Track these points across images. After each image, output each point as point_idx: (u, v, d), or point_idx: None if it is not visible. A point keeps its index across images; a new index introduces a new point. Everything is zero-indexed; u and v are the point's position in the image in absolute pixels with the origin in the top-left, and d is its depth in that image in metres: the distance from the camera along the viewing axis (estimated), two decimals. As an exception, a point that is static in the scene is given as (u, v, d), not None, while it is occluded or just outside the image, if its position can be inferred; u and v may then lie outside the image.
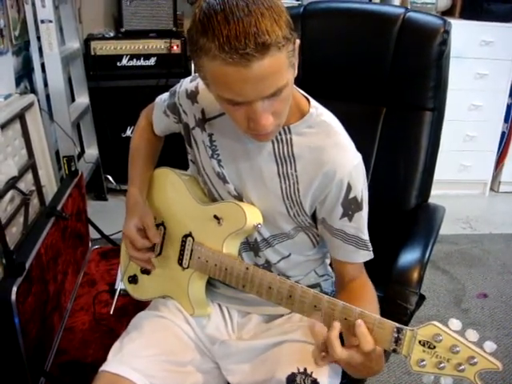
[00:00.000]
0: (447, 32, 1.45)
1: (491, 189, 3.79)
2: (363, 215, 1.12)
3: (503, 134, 3.62)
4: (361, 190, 1.09)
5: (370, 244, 1.15)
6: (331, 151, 1.07)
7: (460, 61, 3.18)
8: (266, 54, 0.85)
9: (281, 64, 0.89)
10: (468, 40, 3.23)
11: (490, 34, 3.27)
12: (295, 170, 1.10)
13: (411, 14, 1.50)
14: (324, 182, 1.08)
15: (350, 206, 1.09)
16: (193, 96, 1.18)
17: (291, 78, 0.95)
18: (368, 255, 1.15)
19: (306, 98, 1.13)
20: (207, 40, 0.86)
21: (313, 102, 1.12)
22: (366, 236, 1.14)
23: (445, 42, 1.45)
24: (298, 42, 0.95)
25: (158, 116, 1.32)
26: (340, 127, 1.12)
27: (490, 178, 3.70)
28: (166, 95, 1.29)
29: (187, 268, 1.21)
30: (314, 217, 1.16)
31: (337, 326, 0.95)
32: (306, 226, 1.17)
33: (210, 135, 1.16)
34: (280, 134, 1.09)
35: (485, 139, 3.54)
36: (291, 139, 1.10)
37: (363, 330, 0.93)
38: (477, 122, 3.49)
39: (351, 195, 1.08)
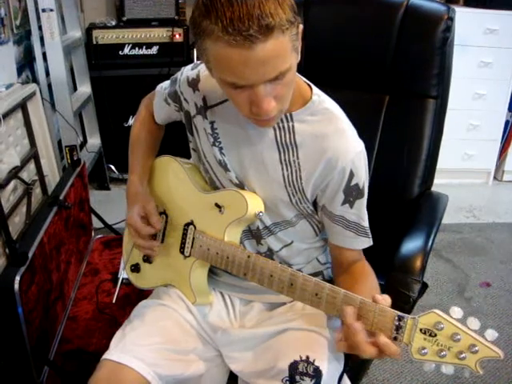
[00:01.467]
0: (451, 19, 1.44)
1: (495, 178, 3.78)
2: (364, 202, 1.12)
3: (507, 122, 3.60)
4: (363, 177, 1.10)
5: (369, 231, 1.16)
6: (333, 139, 1.07)
7: (464, 49, 3.16)
8: (269, 36, 0.85)
9: (284, 47, 0.88)
10: (472, 28, 3.21)
11: (494, 21, 3.25)
12: (297, 158, 1.10)
13: (414, 1, 1.49)
14: (326, 170, 1.08)
15: (352, 193, 1.09)
16: (194, 84, 1.17)
17: (294, 63, 0.94)
18: (367, 242, 1.16)
19: (309, 85, 1.12)
20: (210, 22, 0.86)
21: (315, 89, 1.12)
22: (366, 223, 1.15)
23: (448, 29, 1.44)
24: (301, 26, 0.94)
25: (158, 104, 1.31)
26: (342, 115, 1.12)
27: (494, 166, 3.70)
28: (166, 83, 1.29)
29: (189, 256, 1.22)
30: (314, 204, 1.16)
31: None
32: (308, 213, 1.17)
33: (212, 123, 1.16)
34: (282, 121, 1.09)
35: (488, 128, 3.53)
36: (293, 126, 1.09)
37: (383, 339, 0.91)
38: (480, 111, 3.47)
39: (353, 182, 1.08)
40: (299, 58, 0.97)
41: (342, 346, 0.95)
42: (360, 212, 1.12)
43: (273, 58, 0.88)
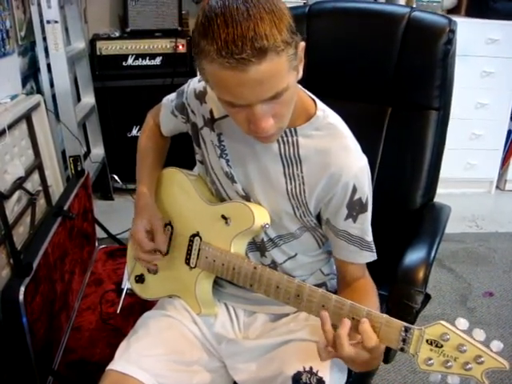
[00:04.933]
0: (452, 31, 1.45)
1: (497, 187, 3.78)
2: (368, 217, 1.13)
3: (509, 132, 3.61)
4: (366, 191, 1.10)
5: (373, 246, 1.16)
6: (337, 154, 1.08)
7: (466, 59, 3.17)
8: (263, 58, 0.85)
9: (280, 68, 0.88)
10: (474, 38, 3.22)
11: (495, 32, 3.26)
12: (301, 171, 1.11)
13: (416, 14, 1.50)
14: (329, 184, 1.08)
15: (355, 208, 1.10)
16: (201, 96, 1.18)
17: (293, 81, 0.94)
18: (371, 256, 1.16)
19: (313, 99, 1.13)
20: (207, 43, 0.86)
21: (319, 104, 1.12)
22: (369, 238, 1.15)
23: (450, 42, 1.45)
24: (302, 44, 0.95)
25: (165, 116, 1.32)
26: (347, 130, 1.12)
27: (497, 176, 3.69)
28: (173, 95, 1.30)
29: (194, 268, 1.22)
30: (318, 217, 1.16)
31: (347, 324, 0.95)
32: (312, 226, 1.18)
33: (219, 135, 1.17)
34: (286, 135, 1.10)
35: (491, 137, 3.53)
36: (297, 141, 1.10)
37: (366, 326, 0.93)
38: (483, 121, 3.48)
39: (356, 197, 1.09)
40: (300, 76, 0.98)
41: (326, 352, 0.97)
42: (363, 226, 1.13)
43: (268, 79, 0.88)
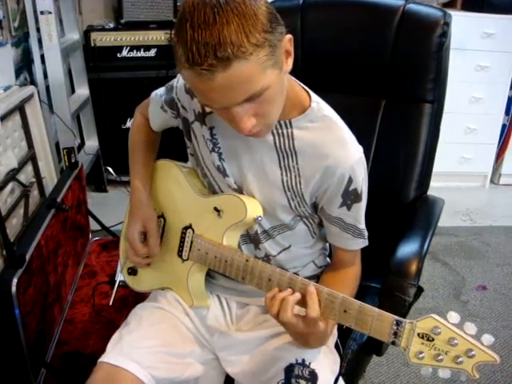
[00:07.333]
0: (447, 24, 1.45)
1: (491, 181, 3.79)
2: (362, 206, 1.13)
3: (504, 126, 3.62)
4: (361, 182, 1.10)
5: (365, 232, 1.17)
6: (333, 146, 1.07)
7: (461, 53, 3.17)
8: (227, 66, 0.83)
9: (250, 72, 0.85)
10: (469, 32, 3.22)
11: (491, 26, 3.26)
12: (297, 163, 1.10)
13: (411, 6, 1.49)
14: (325, 175, 1.08)
15: (350, 197, 1.10)
16: (191, 90, 1.17)
17: (273, 80, 0.90)
18: (363, 243, 1.18)
19: (307, 91, 1.12)
20: (178, 48, 0.86)
21: (313, 96, 1.12)
22: (362, 225, 1.16)
23: (445, 34, 1.45)
24: (287, 37, 0.92)
25: (154, 111, 1.31)
26: (341, 122, 1.12)
27: (491, 170, 3.71)
28: (161, 90, 1.29)
29: (187, 260, 1.22)
30: (313, 205, 1.17)
31: (298, 294, 1.02)
32: (306, 215, 1.18)
33: (211, 129, 1.16)
34: (281, 127, 1.09)
35: (485, 131, 3.55)
36: (292, 133, 1.09)
37: (314, 296, 1.00)
38: (477, 115, 3.49)
39: (352, 187, 1.09)
40: (289, 69, 0.96)
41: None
42: (357, 215, 1.13)
43: (238, 84, 0.86)
